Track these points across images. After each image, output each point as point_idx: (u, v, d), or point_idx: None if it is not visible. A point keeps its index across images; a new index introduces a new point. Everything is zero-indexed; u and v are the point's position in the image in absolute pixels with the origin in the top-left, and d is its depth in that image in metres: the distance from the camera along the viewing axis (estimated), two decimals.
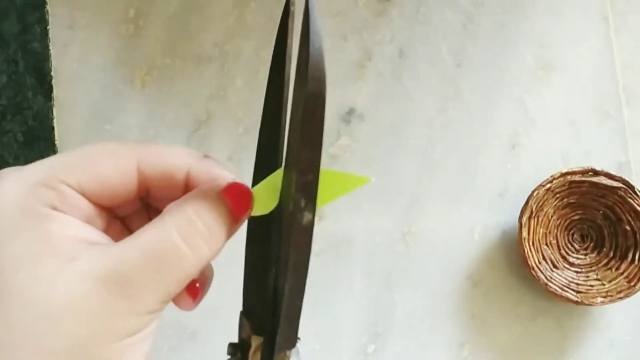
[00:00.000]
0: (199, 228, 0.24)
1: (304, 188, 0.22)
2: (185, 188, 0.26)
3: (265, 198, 0.25)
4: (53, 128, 0.50)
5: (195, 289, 0.27)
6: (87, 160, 0.24)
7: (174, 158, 0.25)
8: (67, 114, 0.50)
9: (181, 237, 0.23)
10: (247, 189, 0.25)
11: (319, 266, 0.49)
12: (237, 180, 0.25)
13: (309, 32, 0.23)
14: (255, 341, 0.25)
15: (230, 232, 0.25)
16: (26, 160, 0.49)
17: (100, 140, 0.50)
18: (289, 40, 0.26)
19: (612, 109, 0.51)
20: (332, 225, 0.50)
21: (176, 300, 0.27)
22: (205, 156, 0.26)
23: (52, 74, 0.50)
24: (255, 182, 0.26)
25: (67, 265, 0.22)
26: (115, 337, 0.22)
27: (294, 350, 0.25)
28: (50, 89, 0.50)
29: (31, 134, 0.50)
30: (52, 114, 0.50)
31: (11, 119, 0.50)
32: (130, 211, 0.27)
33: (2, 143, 0.50)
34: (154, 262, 0.23)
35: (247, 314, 0.27)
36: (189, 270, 0.24)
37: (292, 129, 0.26)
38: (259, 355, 0.25)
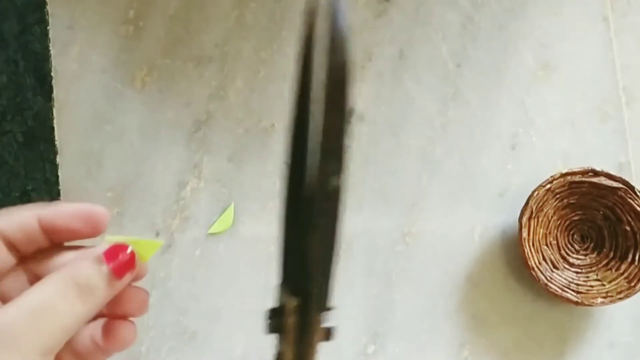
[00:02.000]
0: (71, 285, 0.26)
1: (329, 153, 0.24)
2: (47, 235, 0.29)
3: (145, 250, 0.29)
4: (53, 128, 0.50)
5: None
6: None
7: (18, 213, 0.28)
8: (67, 115, 0.50)
9: (57, 294, 0.26)
10: (122, 248, 0.28)
11: None
12: (114, 241, 0.28)
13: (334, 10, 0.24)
14: (291, 303, 0.26)
15: (112, 290, 0.28)
16: (26, 161, 0.49)
17: (101, 140, 0.50)
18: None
19: (612, 110, 0.51)
20: None
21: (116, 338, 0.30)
22: (51, 203, 0.29)
23: (52, 74, 0.50)
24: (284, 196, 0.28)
25: None
26: None
27: (327, 317, 0.26)
28: (50, 90, 0.50)
29: (31, 134, 0.50)
30: (52, 115, 0.50)
31: (11, 119, 0.50)
32: (14, 286, 0.29)
33: (2, 143, 0.50)
34: (32, 318, 0.25)
35: (284, 282, 0.28)
36: (67, 323, 0.26)
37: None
38: (294, 318, 0.26)
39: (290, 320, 0.26)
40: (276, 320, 0.27)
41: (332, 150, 0.24)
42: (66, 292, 0.26)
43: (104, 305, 0.28)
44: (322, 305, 0.26)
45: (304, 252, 0.25)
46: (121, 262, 0.28)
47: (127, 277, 0.29)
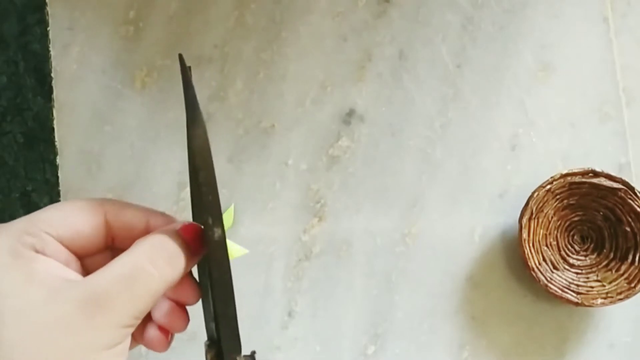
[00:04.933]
0: (162, 253, 0.29)
1: (208, 207, 0.27)
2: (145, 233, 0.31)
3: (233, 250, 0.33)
4: (53, 129, 0.50)
5: (166, 331, 0.32)
6: (63, 215, 0.29)
7: (135, 212, 0.31)
8: (67, 115, 0.50)
9: (147, 260, 0.28)
10: (199, 227, 0.30)
11: (320, 267, 0.49)
12: (189, 222, 0.31)
13: (187, 97, 0.28)
14: (209, 352, 0.30)
15: (189, 262, 0.30)
16: (26, 161, 0.49)
17: (101, 140, 0.50)
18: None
19: (612, 110, 0.51)
20: (332, 226, 0.50)
21: (150, 342, 0.32)
22: (162, 213, 0.32)
23: (52, 75, 0.50)
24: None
25: (51, 294, 0.27)
26: (95, 348, 0.27)
27: (243, 357, 0.30)
28: (50, 90, 0.50)
29: (31, 135, 0.50)
30: (52, 115, 0.50)
31: (11, 120, 0.50)
32: (101, 263, 0.30)
33: (2, 144, 0.50)
34: (125, 281, 0.27)
35: (208, 336, 0.33)
36: (156, 287, 0.28)
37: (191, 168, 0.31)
38: None
39: None
40: None
41: (209, 204, 0.27)
42: (156, 258, 0.28)
43: (181, 277, 0.30)
44: (234, 348, 0.29)
45: (212, 308, 0.29)
46: (196, 240, 0.30)
47: (198, 257, 0.31)
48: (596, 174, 0.47)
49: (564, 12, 0.52)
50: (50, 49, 0.50)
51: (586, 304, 0.46)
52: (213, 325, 0.31)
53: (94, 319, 0.26)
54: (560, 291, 0.46)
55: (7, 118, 0.49)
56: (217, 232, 0.27)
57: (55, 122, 0.50)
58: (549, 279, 0.47)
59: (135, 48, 0.51)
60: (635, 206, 0.46)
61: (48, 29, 0.51)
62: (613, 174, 0.47)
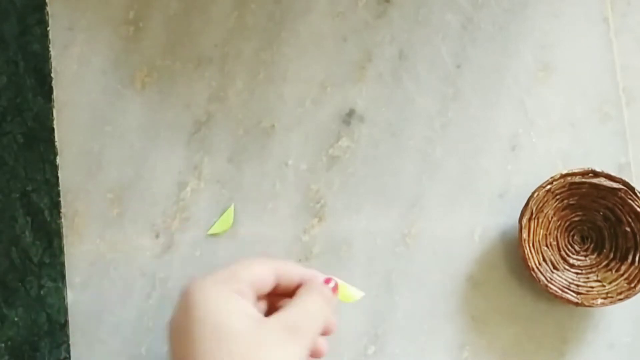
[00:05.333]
0: (324, 298, 0.40)
1: None
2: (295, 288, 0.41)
3: (346, 294, 0.43)
4: (53, 129, 0.50)
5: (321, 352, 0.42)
6: (250, 271, 0.38)
7: (294, 273, 0.41)
8: (67, 116, 0.50)
9: (319, 302, 0.39)
10: (331, 280, 0.42)
11: (320, 268, 0.49)
12: (329, 278, 0.42)
13: None
14: None
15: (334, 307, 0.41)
16: (26, 162, 0.49)
17: (101, 140, 0.50)
18: None
19: (612, 110, 0.51)
20: (332, 226, 0.50)
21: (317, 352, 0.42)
22: (311, 271, 0.42)
23: (52, 75, 0.50)
24: None
25: (258, 323, 0.36)
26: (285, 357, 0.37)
27: None
28: (50, 91, 0.50)
29: (31, 135, 0.50)
30: (52, 116, 0.50)
31: (11, 120, 0.50)
32: (261, 307, 0.42)
33: (2, 144, 0.50)
34: (309, 318, 0.38)
35: None
36: (323, 323, 0.39)
37: None
38: None
39: None
40: None
41: None
42: (322, 302, 0.39)
43: None
44: None
45: None
46: (334, 289, 0.42)
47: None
48: (596, 174, 0.47)
49: (564, 12, 0.52)
50: (51, 49, 0.51)
51: (586, 304, 0.46)
52: None
53: (293, 340, 0.36)
54: (560, 291, 0.46)
55: (7, 118, 0.49)
56: None
57: (55, 122, 0.50)
58: (549, 279, 0.47)
59: (135, 48, 0.51)
60: (635, 206, 0.46)
61: (48, 29, 0.51)
62: (613, 174, 0.47)
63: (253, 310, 0.37)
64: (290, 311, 0.38)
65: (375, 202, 0.50)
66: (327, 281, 0.41)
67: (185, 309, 0.36)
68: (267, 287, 0.39)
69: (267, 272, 0.39)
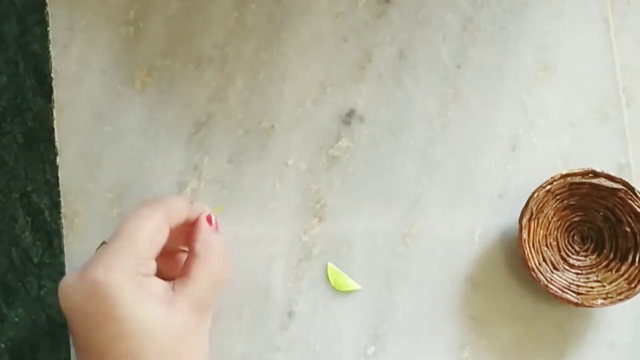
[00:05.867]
0: (223, 252, 0.42)
1: None
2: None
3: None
4: (53, 129, 0.50)
5: None
6: (153, 239, 0.38)
7: (182, 214, 0.41)
8: (67, 116, 0.50)
9: (224, 270, 0.42)
10: (213, 215, 0.44)
11: (319, 268, 0.49)
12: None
13: None
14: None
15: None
16: (26, 162, 0.49)
17: (101, 140, 0.50)
18: None
19: (612, 111, 0.51)
20: (332, 226, 0.50)
21: None
22: (191, 202, 0.44)
23: (52, 75, 0.50)
24: None
25: (170, 311, 0.37)
26: (204, 339, 0.40)
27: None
28: (50, 91, 0.50)
29: (31, 135, 0.50)
30: (52, 116, 0.50)
31: (11, 120, 0.50)
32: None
33: (2, 144, 0.50)
34: (214, 288, 0.40)
35: None
36: (226, 272, 0.42)
37: None
38: None
39: None
40: None
41: None
42: (220, 260, 0.42)
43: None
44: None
45: None
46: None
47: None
48: (596, 175, 0.47)
49: (564, 12, 0.51)
50: (50, 49, 0.50)
51: (586, 304, 0.46)
52: None
53: (203, 317, 0.38)
54: (560, 291, 0.46)
55: (7, 118, 0.49)
56: None
57: (55, 122, 0.50)
58: (549, 279, 0.47)
59: (135, 48, 0.51)
60: (635, 207, 0.46)
61: (48, 29, 0.51)
62: (613, 174, 0.47)
63: (159, 287, 0.38)
64: (193, 286, 0.38)
65: (375, 202, 0.50)
66: (209, 219, 0.43)
67: (95, 300, 0.35)
68: (164, 241, 0.39)
69: (161, 227, 0.39)
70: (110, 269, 0.36)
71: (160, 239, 0.39)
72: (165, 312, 0.36)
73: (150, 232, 0.38)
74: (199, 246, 0.40)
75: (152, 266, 0.38)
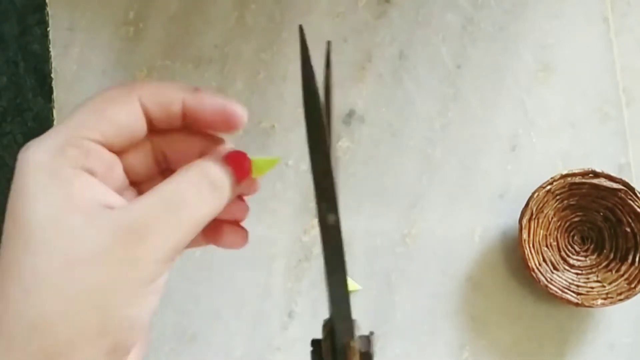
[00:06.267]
0: (205, 182, 0.27)
1: (322, 194, 0.25)
2: (184, 120, 0.29)
3: (263, 165, 0.30)
4: None
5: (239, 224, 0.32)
6: (101, 112, 0.27)
7: (168, 91, 0.28)
8: (67, 116, 0.50)
9: (190, 189, 0.26)
10: (245, 156, 0.29)
11: (320, 268, 0.49)
12: (234, 149, 0.30)
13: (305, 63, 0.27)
14: (325, 330, 0.29)
15: (234, 191, 0.29)
16: None
17: None
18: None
19: (612, 111, 0.51)
20: None
21: (224, 239, 0.31)
22: (196, 89, 0.29)
23: (52, 75, 0.50)
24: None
25: (88, 221, 0.24)
26: (131, 284, 0.24)
27: (360, 340, 0.29)
28: (50, 91, 0.50)
29: (31, 135, 0.50)
30: (52, 116, 0.50)
31: (11, 120, 0.50)
32: (147, 176, 0.29)
33: (2, 144, 0.50)
34: (166, 210, 0.25)
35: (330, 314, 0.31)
36: (199, 218, 0.26)
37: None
38: (329, 341, 0.29)
39: (325, 345, 0.29)
40: (316, 348, 0.30)
41: (322, 190, 0.25)
42: (200, 188, 0.26)
43: (225, 207, 0.28)
44: (347, 329, 0.28)
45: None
46: (241, 168, 0.29)
47: (243, 185, 0.30)
48: (596, 175, 0.47)
49: (564, 12, 0.51)
50: (51, 49, 0.50)
51: (586, 304, 0.46)
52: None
53: (133, 252, 0.24)
54: (560, 292, 0.46)
55: (7, 118, 0.49)
56: (331, 218, 0.26)
57: (55, 122, 0.50)
58: (549, 279, 0.47)
59: (135, 49, 0.51)
60: (635, 207, 0.46)
61: (48, 29, 0.51)
62: (613, 174, 0.47)
63: (97, 197, 0.25)
64: (141, 202, 0.25)
65: (376, 203, 0.50)
66: (231, 157, 0.29)
67: (13, 187, 0.26)
68: (135, 130, 0.27)
69: (126, 111, 0.27)
70: (34, 143, 0.25)
71: (122, 118, 0.26)
72: (76, 224, 0.24)
73: (102, 102, 0.27)
74: (184, 166, 0.27)
75: (93, 153, 0.26)
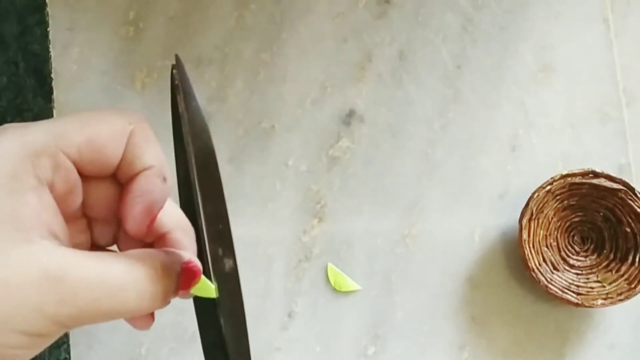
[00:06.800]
0: (151, 289, 0.24)
1: (218, 237, 0.24)
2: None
3: (201, 288, 0.27)
4: None
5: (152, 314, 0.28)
6: (86, 126, 0.25)
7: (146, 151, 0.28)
8: (58, 116, 0.50)
9: (134, 285, 0.24)
10: (199, 273, 0.26)
11: (319, 268, 0.49)
12: (193, 261, 0.26)
13: (184, 95, 0.26)
14: None
15: (166, 300, 0.26)
16: None
17: None
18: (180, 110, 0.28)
19: (612, 111, 0.51)
20: (332, 227, 0.49)
21: (135, 321, 0.28)
22: (165, 179, 0.28)
23: (52, 75, 0.50)
24: None
25: (23, 245, 0.22)
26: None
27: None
28: (50, 91, 0.50)
29: None
30: (52, 116, 0.50)
31: (11, 120, 0.50)
32: (102, 214, 0.27)
33: None
34: (97, 287, 0.23)
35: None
36: (115, 314, 0.24)
37: (190, 187, 0.28)
38: None
39: None
40: None
41: (218, 234, 0.24)
42: (145, 291, 0.24)
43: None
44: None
45: (219, 332, 0.26)
46: (187, 284, 0.26)
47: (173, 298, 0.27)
48: (596, 175, 0.47)
49: (564, 12, 0.52)
50: (51, 49, 0.50)
51: (586, 304, 0.46)
52: (217, 355, 0.28)
53: (46, 298, 0.22)
54: (560, 292, 0.46)
55: (7, 119, 0.49)
56: (228, 263, 0.24)
57: None
58: (549, 279, 0.47)
59: (135, 49, 0.51)
60: (636, 207, 0.46)
61: (48, 29, 0.51)
62: (613, 174, 0.47)
63: (45, 217, 0.23)
64: (84, 264, 0.23)
65: (376, 203, 0.50)
66: (188, 271, 0.26)
67: None
68: (111, 163, 0.26)
69: (114, 137, 0.26)
70: (15, 130, 0.24)
71: (103, 136, 0.25)
72: (12, 239, 0.22)
73: (88, 118, 0.25)
74: (143, 253, 0.26)
75: (64, 172, 0.24)
